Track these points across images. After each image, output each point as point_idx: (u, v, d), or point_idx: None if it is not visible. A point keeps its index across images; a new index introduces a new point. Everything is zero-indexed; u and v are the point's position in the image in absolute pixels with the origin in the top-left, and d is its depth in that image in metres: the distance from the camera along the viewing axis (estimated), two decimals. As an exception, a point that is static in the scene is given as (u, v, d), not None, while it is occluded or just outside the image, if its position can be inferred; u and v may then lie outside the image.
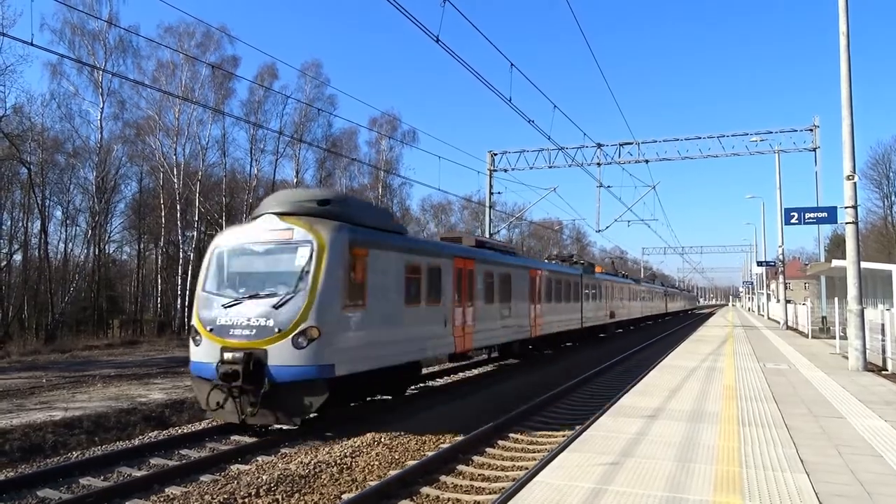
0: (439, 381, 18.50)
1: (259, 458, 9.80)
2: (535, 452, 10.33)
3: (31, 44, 10.91)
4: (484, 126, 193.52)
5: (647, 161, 33.18)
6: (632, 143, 33.29)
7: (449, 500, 8.05)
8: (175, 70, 41.06)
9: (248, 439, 10.94)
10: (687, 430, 7.93)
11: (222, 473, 8.96)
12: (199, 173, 42.38)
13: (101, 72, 36.02)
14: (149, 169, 44.81)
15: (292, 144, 48.03)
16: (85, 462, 9.39)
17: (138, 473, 9.00)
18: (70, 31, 37.05)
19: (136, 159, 44.32)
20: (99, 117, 38.01)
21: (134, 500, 7.85)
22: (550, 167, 34.76)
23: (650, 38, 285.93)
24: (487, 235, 36.21)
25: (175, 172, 40.52)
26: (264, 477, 8.41)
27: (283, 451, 10.26)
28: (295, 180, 48.18)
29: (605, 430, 7.95)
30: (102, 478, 8.89)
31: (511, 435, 11.45)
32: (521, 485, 6.63)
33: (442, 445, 10.37)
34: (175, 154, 40.86)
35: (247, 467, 9.23)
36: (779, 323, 36.78)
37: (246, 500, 7.69)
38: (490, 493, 8.13)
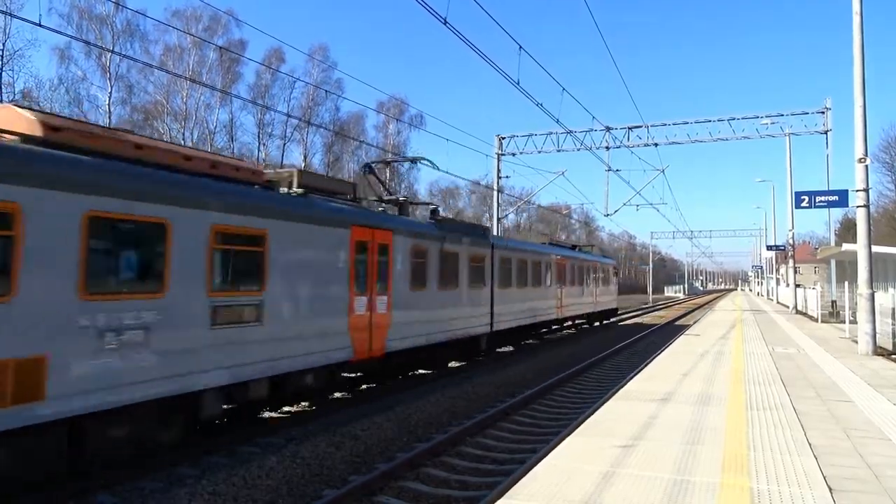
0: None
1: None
2: (542, 436, 10.39)
3: (39, 24, 10.88)
4: (492, 110, 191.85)
5: (656, 144, 32.83)
6: (641, 127, 32.93)
7: (456, 482, 8.12)
8: (182, 54, 41.12)
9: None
10: (695, 413, 7.93)
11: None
12: (208, 158, 42.45)
13: (108, 55, 36.08)
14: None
15: (300, 128, 48.06)
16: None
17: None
18: (77, 14, 37.17)
19: (145, 144, 44.41)
20: (107, 102, 38.12)
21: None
22: (559, 151, 34.26)
23: (660, 19, 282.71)
24: (495, 220, 36.02)
25: (183, 157, 40.52)
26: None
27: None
28: (303, 164, 48.18)
29: (614, 413, 7.97)
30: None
31: (517, 418, 11.52)
32: (529, 467, 6.67)
33: (450, 429, 10.45)
34: (183, 138, 40.93)
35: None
36: (788, 307, 36.60)
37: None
38: (499, 476, 8.21)
